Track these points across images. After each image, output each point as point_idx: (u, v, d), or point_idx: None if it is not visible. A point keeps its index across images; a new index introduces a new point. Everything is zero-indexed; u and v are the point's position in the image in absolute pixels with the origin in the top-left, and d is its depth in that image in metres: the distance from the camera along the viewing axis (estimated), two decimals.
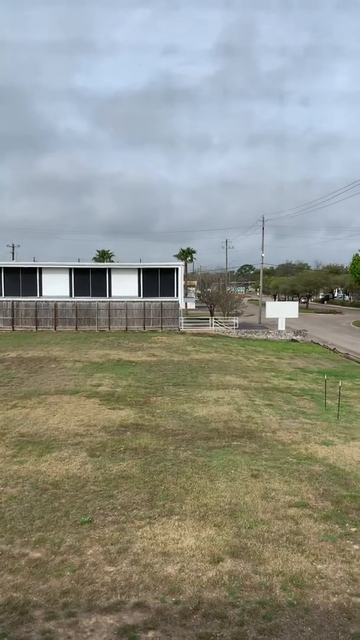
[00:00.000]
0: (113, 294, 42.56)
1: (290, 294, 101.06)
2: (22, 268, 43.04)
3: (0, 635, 5.79)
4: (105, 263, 64.83)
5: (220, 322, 44.19)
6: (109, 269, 43.96)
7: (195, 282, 79.55)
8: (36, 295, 41.88)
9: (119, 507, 8.90)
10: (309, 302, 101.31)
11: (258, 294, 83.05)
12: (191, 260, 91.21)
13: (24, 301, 41.21)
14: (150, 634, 5.85)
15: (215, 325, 43.36)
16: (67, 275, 42.56)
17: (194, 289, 78.46)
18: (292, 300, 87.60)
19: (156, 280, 42.96)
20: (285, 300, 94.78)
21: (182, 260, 77.70)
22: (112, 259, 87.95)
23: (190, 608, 6.29)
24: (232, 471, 10.63)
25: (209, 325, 43.55)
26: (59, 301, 41.26)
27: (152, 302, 41.82)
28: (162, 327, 41.60)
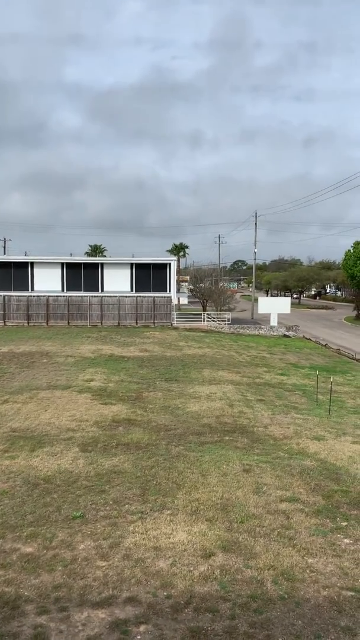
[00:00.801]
0: (105, 289, 42.47)
1: (283, 289, 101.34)
2: (13, 262, 42.86)
3: None
4: (97, 258, 64.62)
5: (213, 318, 44.22)
6: (102, 264, 43.86)
7: (187, 278, 79.58)
8: (28, 289, 41.72)
9: (110, 502, 8.91)
10: (301, 297, 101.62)
11: (250, 289, 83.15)
12: (184, 256, 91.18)
13: (15, 296, 41.03)
14: (142, 628, 5.86)
15: (207, 321, 43.39)
16: (59, 270, 42.43)
17: (186, 284, 78.45)
18: (285, 295, 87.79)
19: (149, 276, 42.91)
20: (277, 295, 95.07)
21: (174, 255, 77.72)
22: (104, 253, 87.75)
23: (182, 602, 6.31)
24: (224, 466, 10.66)
25: (201, 321, 43.57)
26: (50, 296, 41.11)
27: (144, 297, 41.76)
28: (154, 323, 41.57)
